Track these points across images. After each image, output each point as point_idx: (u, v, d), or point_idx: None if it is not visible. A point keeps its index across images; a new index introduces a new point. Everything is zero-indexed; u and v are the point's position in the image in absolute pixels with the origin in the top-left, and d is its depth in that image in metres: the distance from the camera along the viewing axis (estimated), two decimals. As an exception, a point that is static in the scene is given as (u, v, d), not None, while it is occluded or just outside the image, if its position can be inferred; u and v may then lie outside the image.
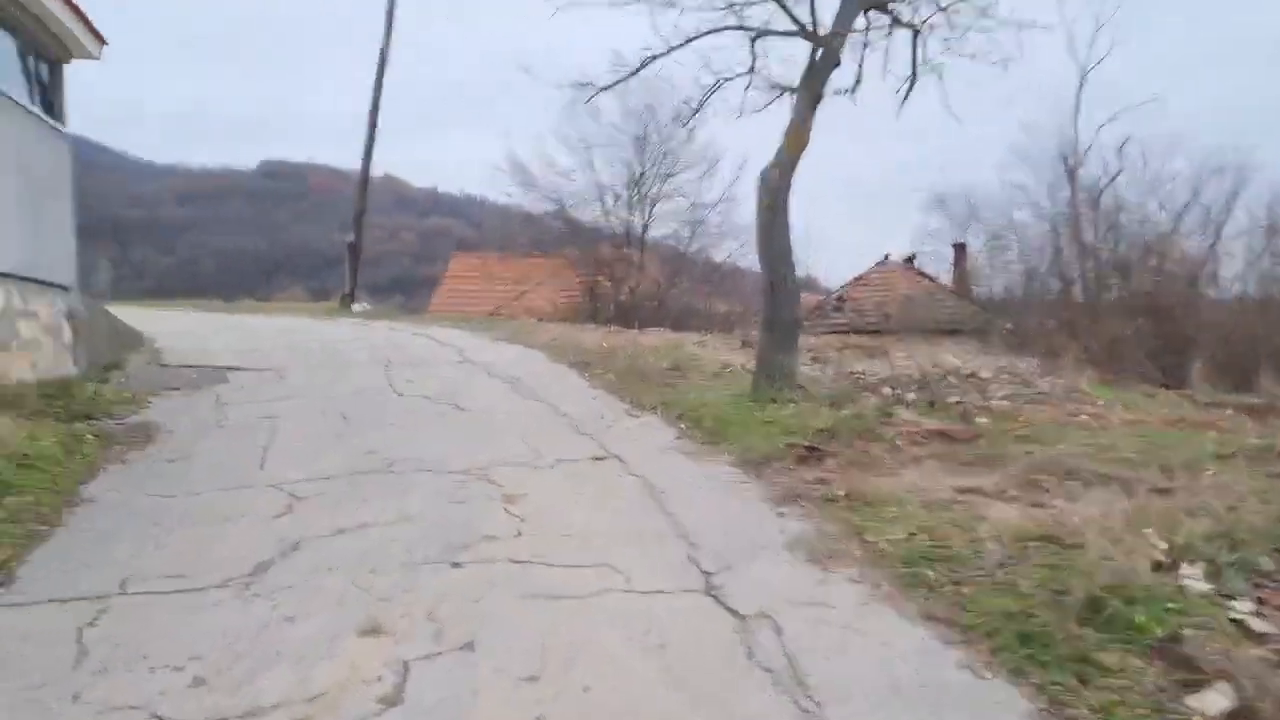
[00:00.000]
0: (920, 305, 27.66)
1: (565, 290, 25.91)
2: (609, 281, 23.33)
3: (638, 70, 10.22)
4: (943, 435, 8.20)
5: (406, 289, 36.01)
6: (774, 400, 8.56)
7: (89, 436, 7.30)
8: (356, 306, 19.96)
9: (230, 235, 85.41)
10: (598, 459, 7.13)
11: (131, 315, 17.21)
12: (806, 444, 7.40)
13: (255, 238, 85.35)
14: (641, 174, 24.44)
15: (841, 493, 6.04)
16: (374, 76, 20.54)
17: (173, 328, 15.07)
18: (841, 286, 30.24)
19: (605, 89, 10.59)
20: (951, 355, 13.04)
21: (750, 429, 7.80)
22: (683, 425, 8.33)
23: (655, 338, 14.43)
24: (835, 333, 23.69)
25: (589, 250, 23.89)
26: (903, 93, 10.20)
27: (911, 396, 9.88)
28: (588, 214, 24.95)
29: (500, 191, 25.54)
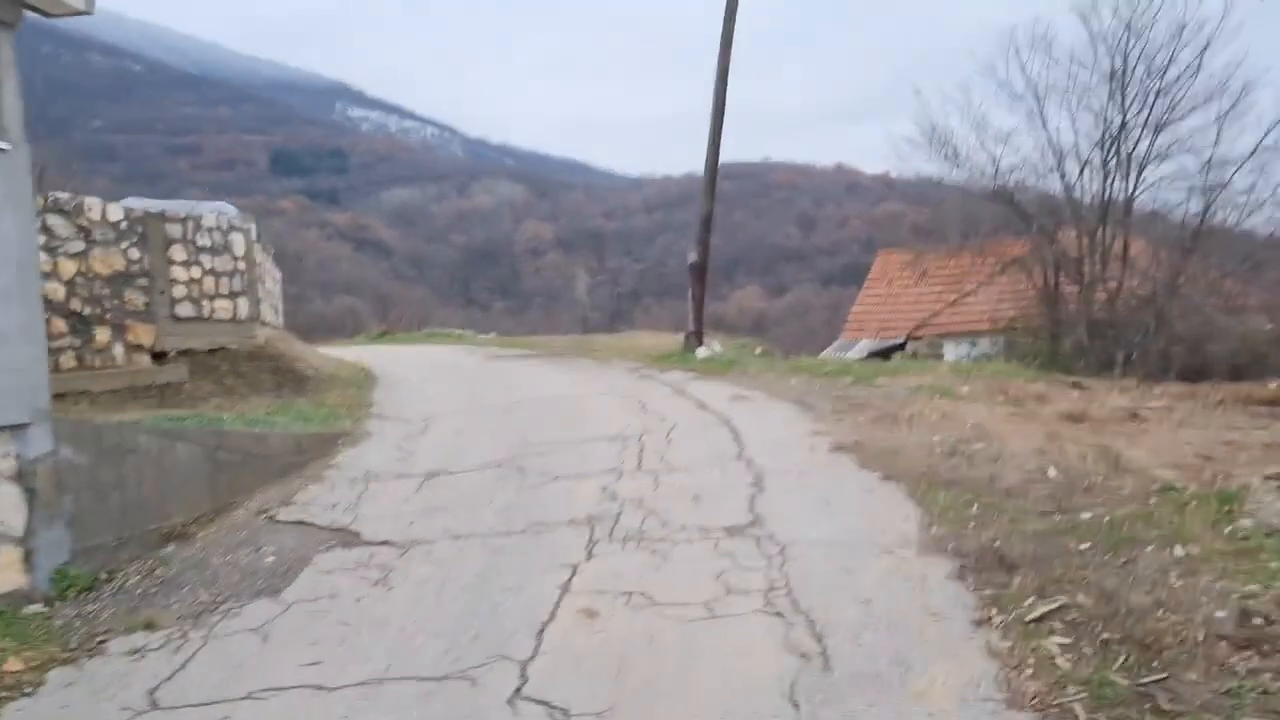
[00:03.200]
0: None
1: (1015, 292, 18.70)
2: (1075, 284, 15.76)
3: None
4: None
5: (857, 278, 32.50)
6: None
7: None
8: (702, 351, 15.04)
9: (694, 239, 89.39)
10: None
11: (441, 374, 14.35)
12: None
13: (717, 237, 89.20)
14: (1122, 125, 16.15)
15: None
16: (717, 55, 15.33)
17: (429, 407, 11.23)
18: None
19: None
20: None
21: None
22: None
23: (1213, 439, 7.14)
24: None
25: (1043, 240, 16.45)
26: None
27: None
28: (1040, 189, 17.37)
29: (910, 169, 18.83)
